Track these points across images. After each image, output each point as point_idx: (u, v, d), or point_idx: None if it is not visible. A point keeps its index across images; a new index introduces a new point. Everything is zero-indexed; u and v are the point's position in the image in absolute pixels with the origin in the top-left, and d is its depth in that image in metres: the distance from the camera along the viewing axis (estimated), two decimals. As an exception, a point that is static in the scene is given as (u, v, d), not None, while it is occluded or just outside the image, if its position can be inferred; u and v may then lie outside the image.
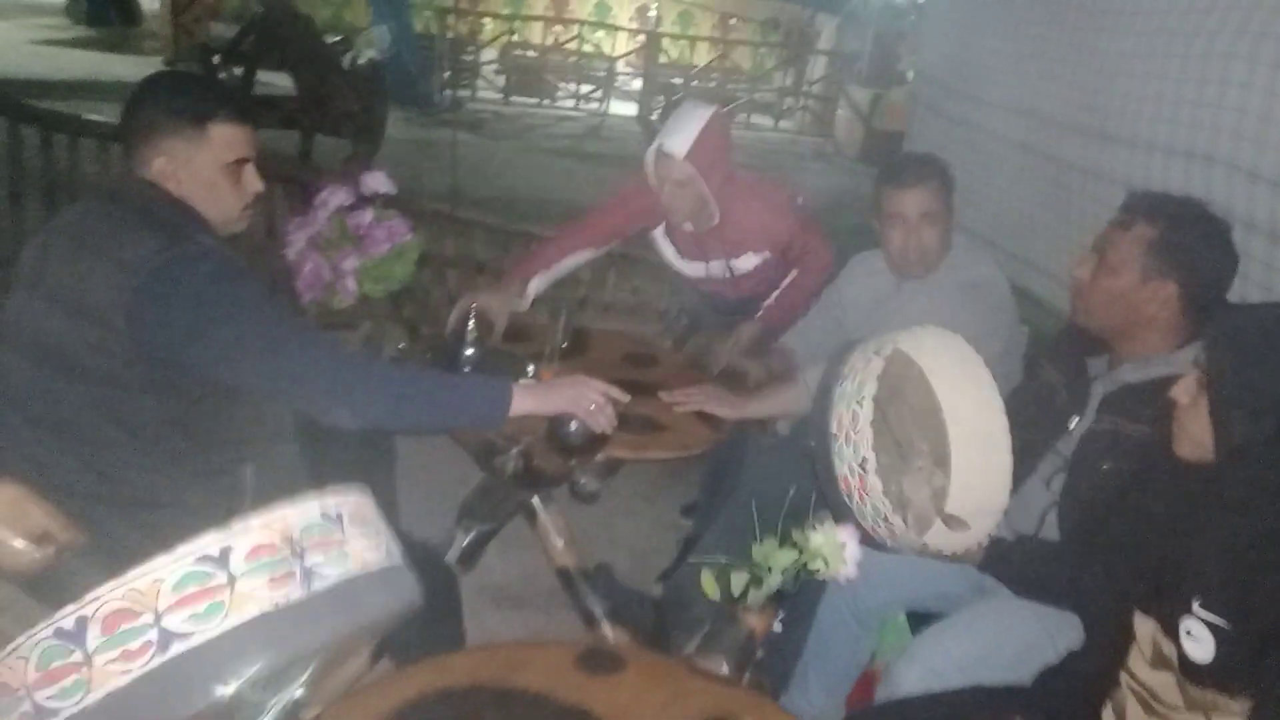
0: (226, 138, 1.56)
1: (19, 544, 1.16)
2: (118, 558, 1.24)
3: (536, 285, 2.49)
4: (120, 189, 1.55)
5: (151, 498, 1.47)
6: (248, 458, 1.55)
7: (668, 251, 2.70)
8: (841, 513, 1.49)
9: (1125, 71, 2.31)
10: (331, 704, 1.32)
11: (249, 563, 0.83)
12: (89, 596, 0.79)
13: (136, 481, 1.47)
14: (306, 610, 0.84)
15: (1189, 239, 1.55)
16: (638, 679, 1.35)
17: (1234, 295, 1.75)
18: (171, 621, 0.78)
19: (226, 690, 0.81)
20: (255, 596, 0.82)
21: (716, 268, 2.63)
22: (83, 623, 0.77)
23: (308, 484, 1.63)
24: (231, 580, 0.82)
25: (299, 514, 0.89)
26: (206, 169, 1.55)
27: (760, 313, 2.65)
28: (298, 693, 0.96)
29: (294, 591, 0.84)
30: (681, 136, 2.36)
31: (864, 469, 1.43)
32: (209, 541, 0.83)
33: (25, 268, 1.52)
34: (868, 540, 1.50)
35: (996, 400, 1.56)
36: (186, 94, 1.57)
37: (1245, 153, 1.94)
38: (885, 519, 1.44)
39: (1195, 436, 1.24)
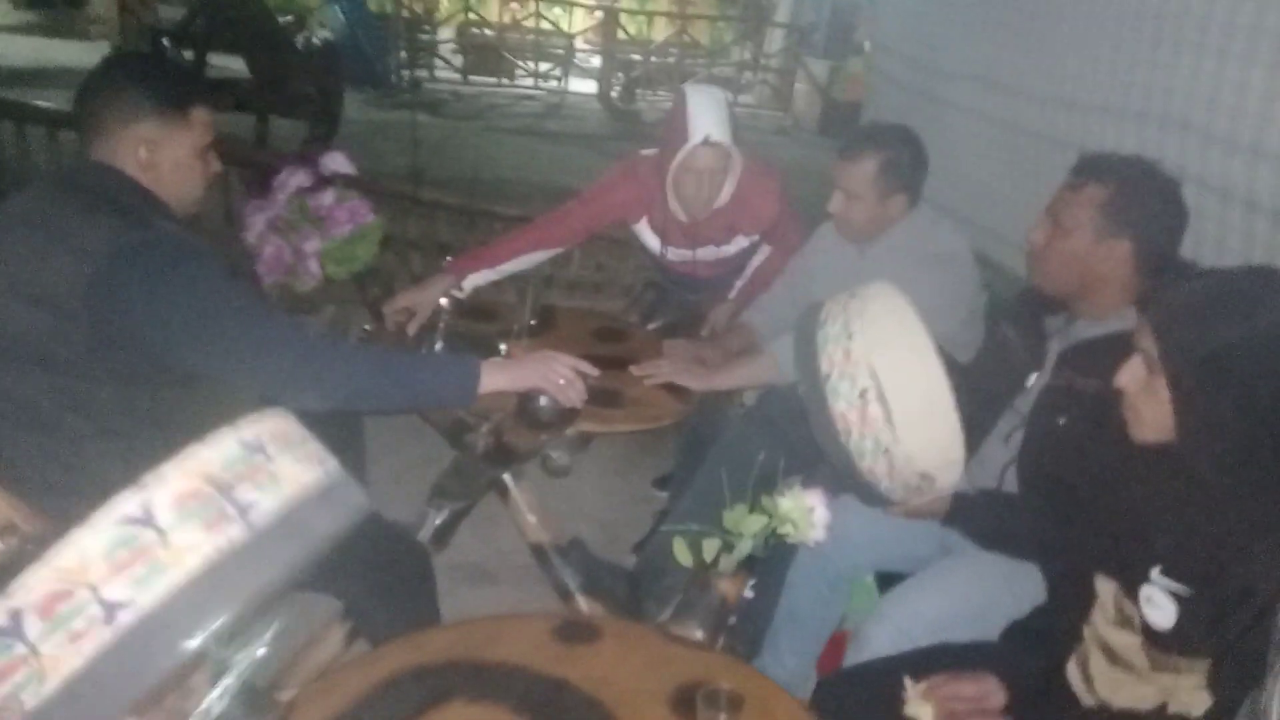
0: (204, 121, 1.57)
1: (-18, 535, 1.15)
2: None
3: (475, 280, 2.42)
4: (75, 174, 1.53)
5: (118, 487, 1.45)
6: (214, 443, 1.53)
7: (650, 240, 2.64)
8: (837, 458, 1.49)
9: (1079, 36, 2.33)
10: (308, 684, 1.32)
11: (176, 512, 0.78)
12: (14, 586, 0.74)
13: (101, 472, 1.44)
14: (255, 548, 0.79)
15: (1140, 197, 1.57)
16: (614, 648, 1.37)
17: (1190, 255, 1.79)
18: (111, 592, 0.74)
19: (192, 646, 0.77)
20: (194, 545, 0.77)
21: (705, 253, 2.61)
22: (16, 614, 0.73)
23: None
24: (163, 534, 0.77)
25: (216, 450, 0.84)
26: (185, 153, 1.55)
27: (734, 293, 2.66)
28: (260, 651, 0.92)
29: (235, 531, 0.79)
30: (719, 122, 2.29)
31: (864, 399, 1.43)
32: (126, 500, 0.78)
33: (-24, 257, 1.48)
34: (858, 489, 1.51)
35: (935, 364, 1.54)
36: (169, 79, 1.56)
37: (1199, 114, 1.97)
38: (886, 450, 1.45)
39: (1154, 420, 1.21)
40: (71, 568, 0.76)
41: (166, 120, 1.51)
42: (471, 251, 2.48)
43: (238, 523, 0.80)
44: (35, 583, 0.75)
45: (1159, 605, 1.19)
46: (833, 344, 1.47)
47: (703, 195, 2.40)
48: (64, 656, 0.73)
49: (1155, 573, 1.19)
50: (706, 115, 2.31)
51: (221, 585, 0.77)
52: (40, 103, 4.24)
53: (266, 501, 0.83)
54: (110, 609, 0.74)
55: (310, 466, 0.90)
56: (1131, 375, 1.23)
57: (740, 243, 2.60)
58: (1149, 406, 1.21)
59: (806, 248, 2.42)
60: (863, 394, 1.43)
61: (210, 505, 0.80)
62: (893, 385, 1.43)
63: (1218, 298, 1.16)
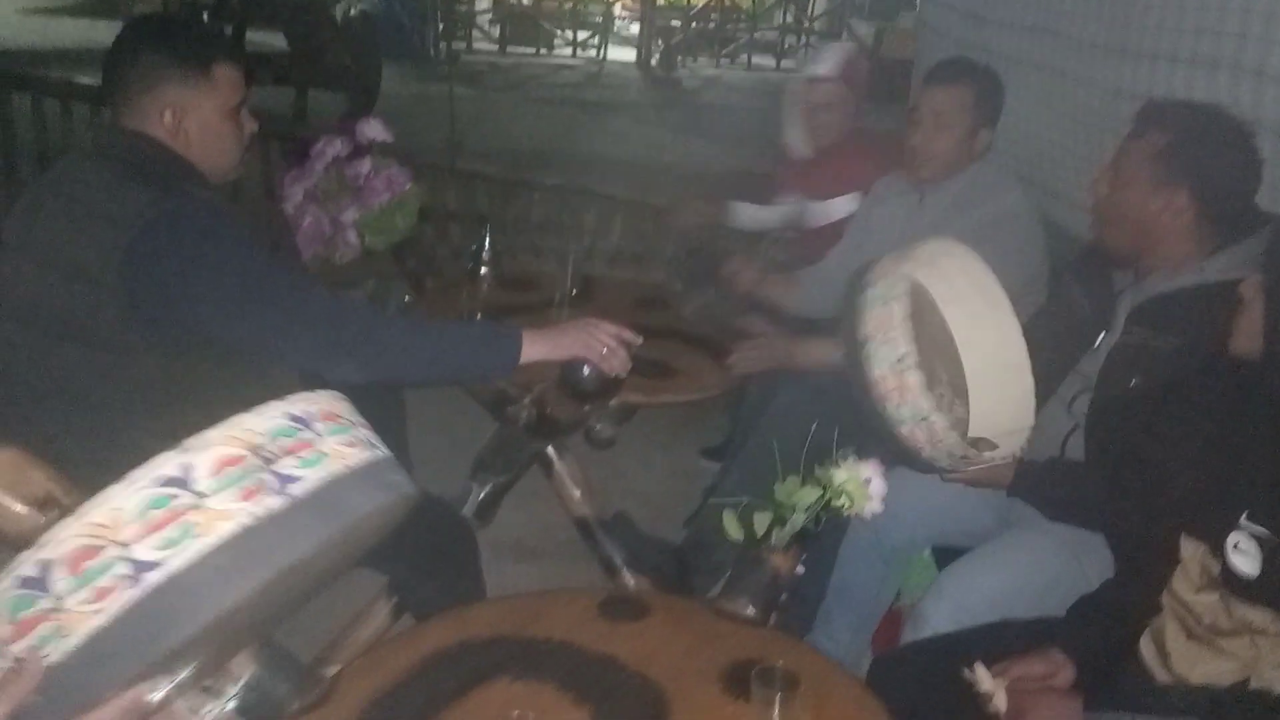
0: (230, 79, 1.50)
1: (20, 509, 1.13)
2: (125, 521, 1.22)
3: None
4: (107, 143, 1.50)
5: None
6: (254, 417, 1.51)
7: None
8: (875, 424, 1.44)
9: (1144, -20, 2.21)
10: (353, 659, 1.31)
11: (216, 478, 0.76)
12: (45, 539, 0.73)
13: (141, 445, 1.42)
14: (290, 518, 0.77)
15: (1199, 144, 1.50)
16: (662, 625, 1.33)
17: (1270, 206, 1.69)
18: (140, 551, 0.72)
19: (217, 612, 0.75)
20: (229, 512, 0.75)
21: (814, 212, 2.64)
22: (45, 567, 0.72)
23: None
24: (199, 498, 0.75)
25: (263, 420, 0.82)
26: (213, 115, 1.49)
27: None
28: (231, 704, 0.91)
29: (272, 500, 0.77)
30: (830, 62, 2.56)
31: (902, 365, 1.38)
32: (166, 461, 0.76)
33: (12, 231, 1.47)
34: (901, 455, 1.46)
35: (1014, 326, 1.51)
36: (188, 38, 1.50)
37: (1275, 61, 1.85)
38: (925, 419, 1.39)
39: (1250, 334, 1.24)
40: (104, 524, 0.74)
41: (189, 81, 1.46)
42: None
43: (277, 493, 0.78)
44: (66, 536, 0.74)
45: (1245, 552, 1.16)
46: (873, 307, 1.41)
47: (811, 125, 2.59)
48: (88, 613, 0.72)
49: (1243, 518, 1.16)
50: (821, 53, 2.63)
51: (252, 554, 0.76)
52: (83, 80, 4.27)
53: (309, 475, 0.81)
54: (138, 568, 0.73)
55: (357, 442, 0.89)
56: (1251, 286, 1.27)
57: (840, 208, 2.57)
58: (1252, 320, 1.24)
59: (867, 201, 2.36)
60: (900, 359, 1.38)
61: (251, 474, 0.78)
62: (970, 359, 1.38)
63: None
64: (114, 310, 1.35)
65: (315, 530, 0.80)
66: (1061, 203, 2.46)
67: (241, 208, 3.49)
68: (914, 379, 1.37)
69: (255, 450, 0.79)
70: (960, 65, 2.15)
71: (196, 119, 1.47)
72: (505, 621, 1.31)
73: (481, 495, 2.15)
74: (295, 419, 0.84)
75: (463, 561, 1.73)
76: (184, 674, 0.82)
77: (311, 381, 1.51)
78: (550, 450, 2.12)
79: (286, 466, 0.80)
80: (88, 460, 1.38)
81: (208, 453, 0.78)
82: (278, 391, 1.61)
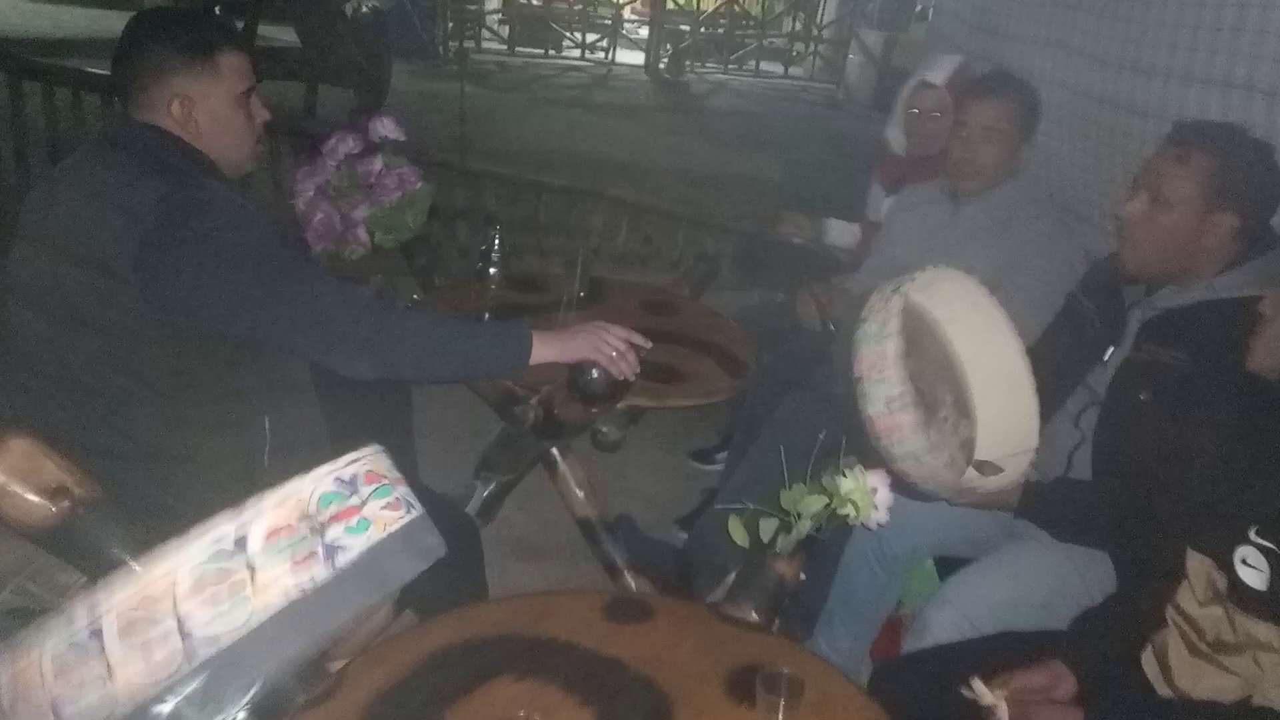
0: (235, 66, 1.51)
1: (33, 498, 1.13)
2: (135, 512, 1.22)
3: None
4: (121, 135, 1.50)
5: (169, 451, 1.45)
6: (265, 410, 1.52)
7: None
8: (872, 459, 1.45)
9: (1159, -1, 2.22)
10: (357, 656, 1.31)
11: (268, 547, 0.79)
12: (102, 607, 0.76)
13: (153, 435, 1.44)
14: (334, 589, 0.81)
15: (1248, 167, 1.50)
16: (667, 627, 1.33)
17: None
18: (194, 623, 0.76)
19: (262, 683, 0.79)
20: (280, 584, 0.79)
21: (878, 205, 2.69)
22: (98, 634, 0.75)
23: (325, 436, 1.61)
24: (251, 569, 0.78)
25: (314, 485, 0.85)
26: (221, 103, 1.50)
27: None
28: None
29: (319, 572, 0.81)
30: (941, 70, 2.54)
31: (891, 407, 1.38)
32: (222, 529, 0.79)
33: (28, 220, 1.48)
34: (900, 486, 1.47)
35: (1015, 342, 1.52)
36: (188, 28, 1.51)
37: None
38: (916, 458, 1.40)
39: (1269, 350, 1.26)
40: (159, 593, 0.78)
41: (194, 71, 1.47)
42: None
43: (323, 564, 0.81)
44: (121, 605, 0.77)
45: (1254, 566, 1.16)
46: (866, 344, 1.43)
47: (912, 128, 2.57)
48: (138, 683, 0.75)
49: (1252, 533, 1.17)
50: (933, 60, 2.57)
51: (297, 624, 0.79)
52: (94, 70, 4.27)
53: (354, 544, 0.85)
54: (190, 639, 0.77)
55: (398, 510, 0.93)
56: (1274, 303, 1.29)
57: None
58: (1269, 335, 1.27)
59: (887, 214, 2.36)
60: (891, 400, 1.39)
61: (301, 543, 0.83)
62: (975, 375, 1.38)
63: None
64: (127, 301, 1.36)
65: (356, 600, 0.85)
66: (1069, 215, 2.46)
67: (252, 201, 3.49)
68: (906, 419, 1.38)
69: (306, 518, 0.84)
70: (1007, 78, 2.17)
71: (205, 108, 1.48)
72: (510, 620, 1.31)
73: (485, 493, 2.15)
74: (343, 482, 0.88)
75: (465, 558, 1.73)
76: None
77: (324, 376, 1.52)
78: (554, 450, 2.12)
79: (334, 534, 0.84)
80: (99, 449, 1.39)
81: (262, 519, 0.81)
82: (289, 386, 1.62)
